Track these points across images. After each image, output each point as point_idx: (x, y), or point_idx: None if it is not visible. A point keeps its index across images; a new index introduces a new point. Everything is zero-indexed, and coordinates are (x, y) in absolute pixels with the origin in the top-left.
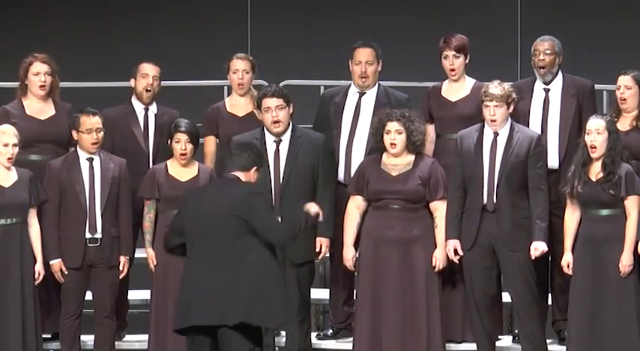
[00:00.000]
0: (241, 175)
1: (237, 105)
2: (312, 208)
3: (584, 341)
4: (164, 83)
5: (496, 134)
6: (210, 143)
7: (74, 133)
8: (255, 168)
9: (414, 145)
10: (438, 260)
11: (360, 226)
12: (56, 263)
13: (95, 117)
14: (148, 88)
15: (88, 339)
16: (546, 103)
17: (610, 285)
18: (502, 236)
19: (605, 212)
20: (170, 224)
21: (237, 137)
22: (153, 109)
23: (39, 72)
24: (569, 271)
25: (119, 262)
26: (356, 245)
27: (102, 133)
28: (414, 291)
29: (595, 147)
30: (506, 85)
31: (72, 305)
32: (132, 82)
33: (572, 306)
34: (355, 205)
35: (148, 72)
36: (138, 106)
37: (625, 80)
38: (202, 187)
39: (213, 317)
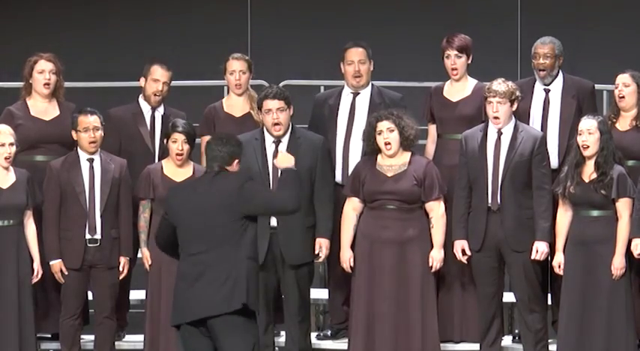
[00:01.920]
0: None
1: (235, 106)
2: (281, 161)
3: (574, 341)
4: None
5: (500, 134)
6: None
7: (73, 133)
8: (236, 161)
9: (407, 140)
10: (435, 260)
11: (357, 227)
12: (56, 264)
13: (93, 116)
14: (157, 93)
15: (88, 339)
16: (546, 103)
17: (600, 286)
18: (507, 236)
19: (596, 213)
20: (159, 228)
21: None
22: (160, 109)
23: (44, 70)
24: (560, 272)
25: (119, 263)
26: (353, 246)
27: (99, 132)
28: (408, 291)
29: (587, 147)
30: (510, 83)
31: (72, 306)
32: (141, 82)
33: (562, 306)
34: (352, 207)
35: (159, 77)
36: (145, 107)
37: (623, 78)
38: (187, 184)
39: (214, 308)
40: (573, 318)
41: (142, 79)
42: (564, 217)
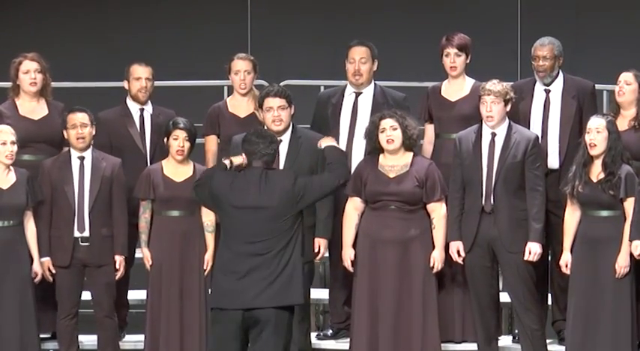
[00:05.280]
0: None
1: (239, 105)
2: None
3: (579, 341)
4: (164, 83)
5: (494, 135)
6: (211, 142)
7: (64, 132)
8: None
9: (409, 140)
10: (436, 261)
11: (358, 227)
12: (45, 261)
13: (81, 113)
14: (142, 90)
15: (86, 339)
16: (547, 103)
17: (606, 286)
18: (501, 237)
19: (604, 213)
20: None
21: (237, 137)
22: (148, 109)
23: (29, 70)
24: (567, 271)
25: (114, 262)
26: (354, 246)
27: (88, 128)
28: (410, 292)
29: (594, 145)
30: (505, 84)
31: (67, 305)
32: (125, 84)
33: (569, 306)
34: (353, 207)
35: (141, 75)
36: (133, 107)
37: (626, 76)
38: (236, 176)
39: (268, 300)
40: (579, 317)
41: (125, 82)
42: (572, 216)
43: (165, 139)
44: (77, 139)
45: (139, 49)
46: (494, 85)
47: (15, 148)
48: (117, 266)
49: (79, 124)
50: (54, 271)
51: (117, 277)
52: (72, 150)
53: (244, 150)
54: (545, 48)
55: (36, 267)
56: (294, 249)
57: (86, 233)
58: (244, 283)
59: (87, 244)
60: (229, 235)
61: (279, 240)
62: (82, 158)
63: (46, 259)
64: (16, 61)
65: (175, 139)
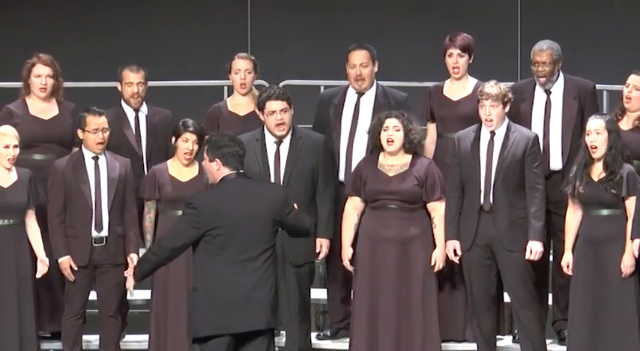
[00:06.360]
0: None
1: (239, 104)
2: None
3: (584, 341)
4: (163, 83)
5: (493, 134)
6: None
7: (79, 132)
8: None
9: (410, 144)
10: (438, 260)
11: (358, 226)
12: (65, 260)
13: (102, 117)
14: (134, 96)
15: (91, 339)
16: (548, 105)
17: (610, 285)
18: (499, 236)
19: (606, 212)
20: (179, 235)
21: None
22: (143, 110)
23: (40, 74)
24: (569, 272)
25: (126, 261)
26: (353, 245)
27: (108, 133)
28: (410, 291)
29: (595, 147)
30: (503, 85)
31: (76, 305)
32: (119, 86)
33: (572, 306)
34: (353, 206)
35: (132, 80)
36: (128, 109)
37: (635, 80)
38: (223, 189)
39: (267, 321)
40: (584, 318)
41: (119, 85)
42: (574, 217)
43: (173, 139)
44: (97, 143)
45: (138, 49)
46: (491, 88)
47: (17, 151)
48: (134, 263)
49: (101, 129)
50: (76, 268)
51: (129, 274)
52: (84, 150)
53: (220, 155)
54: (544, 53)
55: (41, 262)
56: (275, 265)
57: (104, 232)
58: (244, 301)
59: (102, 244)
60: (221, 249)
61: (267, 252)
62: (95, 158)
63: (67, 258)
64: (29, 62)
65: (185, 141)
